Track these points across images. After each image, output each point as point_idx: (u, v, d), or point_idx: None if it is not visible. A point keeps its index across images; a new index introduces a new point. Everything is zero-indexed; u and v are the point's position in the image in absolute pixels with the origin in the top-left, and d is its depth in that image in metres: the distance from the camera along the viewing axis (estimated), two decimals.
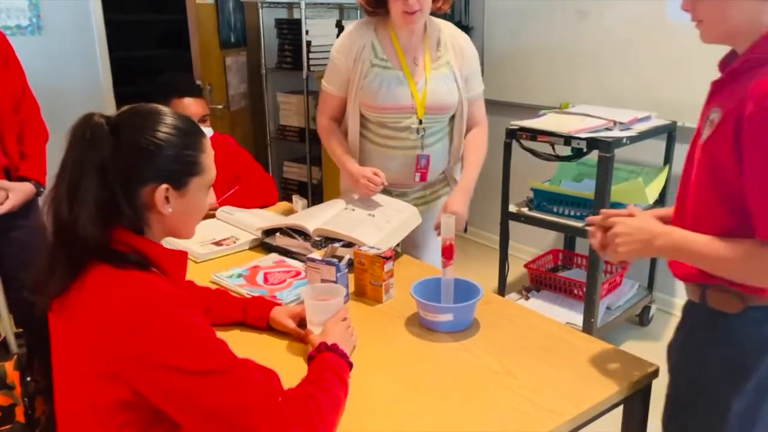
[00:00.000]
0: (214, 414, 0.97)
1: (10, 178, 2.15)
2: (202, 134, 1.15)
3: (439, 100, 2.08)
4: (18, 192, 2.13)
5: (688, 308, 1.33)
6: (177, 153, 1.08)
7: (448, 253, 1.55)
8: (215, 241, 2.05)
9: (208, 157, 1.15)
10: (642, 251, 1.24)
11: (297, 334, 1.47)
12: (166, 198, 1.08)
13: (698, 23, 1.19)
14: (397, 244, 1.98)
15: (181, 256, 1.16)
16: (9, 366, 1.77)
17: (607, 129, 2.70)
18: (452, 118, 2.16)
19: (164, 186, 1.07)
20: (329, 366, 1.20)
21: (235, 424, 0.98)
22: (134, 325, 0.97)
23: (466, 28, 3.97)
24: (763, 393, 1.18)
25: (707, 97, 1.24)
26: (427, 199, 2.26)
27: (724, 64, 1.24)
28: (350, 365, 1.28)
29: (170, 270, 1.11)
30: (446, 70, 2.09)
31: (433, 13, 2.05)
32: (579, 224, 2.76)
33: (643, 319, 3.27)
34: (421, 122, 2.09)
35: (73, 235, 1.01)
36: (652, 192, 2.85)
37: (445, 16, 2.15)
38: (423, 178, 2.17)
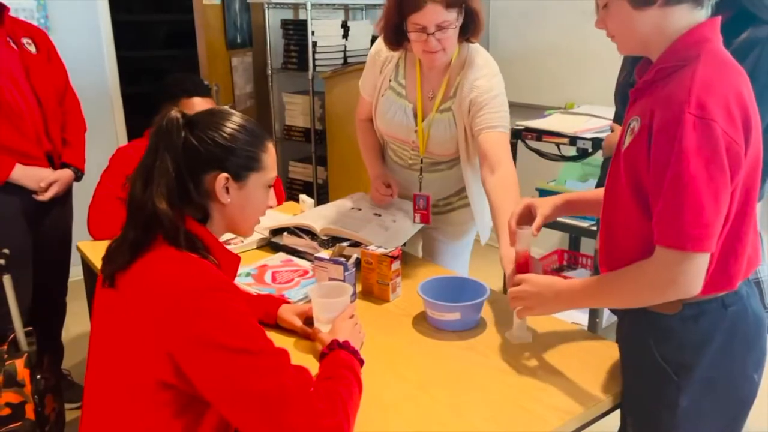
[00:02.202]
0: (251, 394, 1.01)
1: (53, 162, 2.29)
2: (266, 136, 1.23)
3: (436, 146, 1.96)
4: (61, 181, 2.27)
5: (625, 309, 1.31)
6: (240, 147, 1.17)
7: (522, 268, 1.39)
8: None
9: (270, 158, 1.22)
10: (544, 309, 1.31)
11: (304, 332, 1.49)
12: (226, 188, 1.16)
13: (612, 38, 1.21)
14: (404, 244, 1.99)
15: (235, 259, 1.24)
16: (20, 364, 1.78)
17: (612, 129, 2.70)
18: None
19: (224, 175, 1.15)
20: (345, 363, 1.22)
21: (270, 407, 1.01)
22: (190, 304, 1.03)
23: None
24: (708, 387, 1.17)
25: (629, 105, 1.24)
26: (440, 210, 2.13)
27: (639, 73, 1.24)
28: (361, 362, 1.29)
29: (223, 267, 1.17)
30: (449, 115, 1.91)
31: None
32: (584, 224, 2.77)
33: None
34: (422, 161, 2.02)
35: (144, 211, 1.10)
36: None
37: None
38: (424, 219, 2.01)
